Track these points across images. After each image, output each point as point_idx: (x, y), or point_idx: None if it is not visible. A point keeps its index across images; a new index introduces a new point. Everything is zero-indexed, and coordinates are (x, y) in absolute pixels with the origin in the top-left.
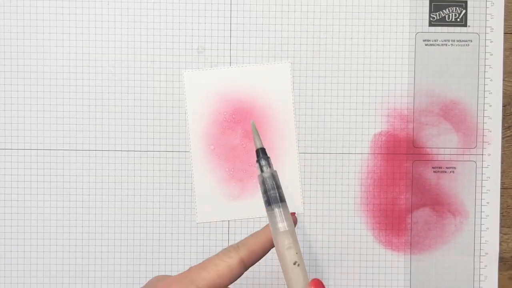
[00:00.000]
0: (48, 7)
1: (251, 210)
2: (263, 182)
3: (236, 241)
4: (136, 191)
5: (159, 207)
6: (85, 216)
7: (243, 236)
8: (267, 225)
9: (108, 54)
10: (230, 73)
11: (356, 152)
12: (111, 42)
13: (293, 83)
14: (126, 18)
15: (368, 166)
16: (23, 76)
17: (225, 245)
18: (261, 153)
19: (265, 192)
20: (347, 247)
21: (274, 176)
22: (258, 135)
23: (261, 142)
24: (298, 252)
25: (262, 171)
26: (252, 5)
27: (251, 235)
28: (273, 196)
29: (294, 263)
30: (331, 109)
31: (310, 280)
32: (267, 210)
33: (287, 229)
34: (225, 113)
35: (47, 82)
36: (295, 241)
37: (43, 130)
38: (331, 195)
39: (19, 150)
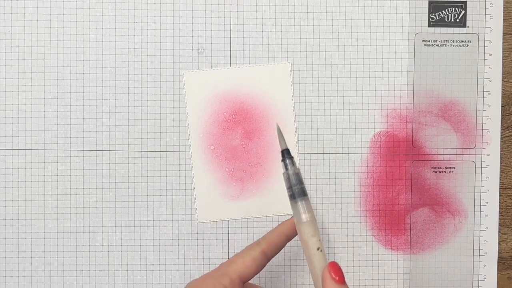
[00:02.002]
0: (48, 7)
1: (251, 210)
2: (288, 179)
3: (236, 241)
4: (136, 191)
5: (159, 207)
6: (85, 216)
7: (243, 236)
8: (283, 222)
9: (108, 54)
10: (230, 73)
11: (356, 152)
12: (111, 42)
13: (293, 83)
14: (126, 19)
15: (367, 166)
16: (23, 76)
17: (225, 245)
18: (286, 154)
19: (290, 187)
20: (347, 247)
21: (297, 174)
22: (283, 137)
23: (286, 144)
24: (320, 240)
25: (287, 169)
26: (252, 5)
27: (270, 231)
28: (297, 190)
29: (317, 249)
30: (330, 109)
31: (328, 263)
32: (292, 203)
33: (309, 219)
34: (225, 114)
35: (47, 82)
36: (317, 230)
37: (43, 130)
38: (330, 195)
39: (19, 150)
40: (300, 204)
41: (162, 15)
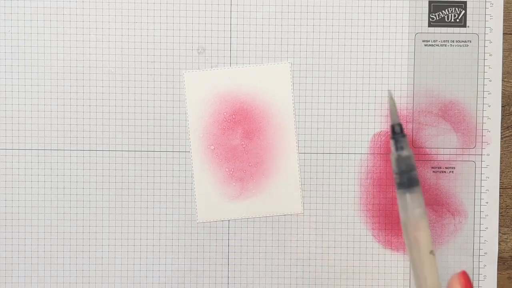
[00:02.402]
0: (48, 7)
1: (251, 210)
2: (396, 162)
3: (236, 241)
4: (136, 191)
5: (159, 207)
6: (85, 216)
7: (243, 236)
8: None
9: (108, 54)
10: (230, 73)
11: (356, 152)
12: (111, 42)
13: (293, 83)
14: (126, 18)
15: (367, 166)
16: (23, 76)
17: (225, 245)
18: (397, 130)
19: (400, 173)
20: (347, 247)
21: (409, 158)
22: (396, 108)
23: (398, 117)
24: (431, 242)
25: (397, 149)
26: (252, 5)
27: None
28: (408, 179)
29: (430, 252)
30: (331, 109)
31: (459, 272)
32: (398, 193)
33: (420, 216)
34: (225, 114)
35: (47, 82)
36: (428, 229)
37: (43, 130)
38: (330, 195)
39: (19, 150)
40: (409, 196)
41: (162, 15)
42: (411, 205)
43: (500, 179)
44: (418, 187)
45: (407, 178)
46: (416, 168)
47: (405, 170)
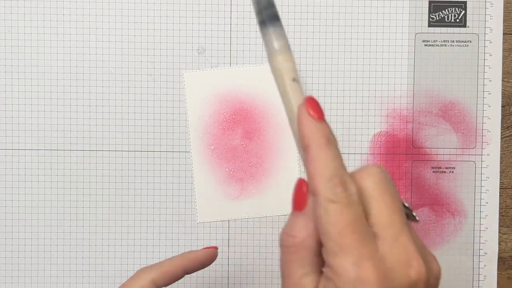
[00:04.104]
0: (48, 7)
1: (251, 210)
2: (256, 1)
3: (236, 241)
4: (136, 191)
5: (159, 207)
6: (85, 216)
7: (243, 236)
8: (184, 254)
9: (108, 54)
10: (230, 73)
11: (356, 152)
12: (111, 42)
13: None
14: (126, 19)
15: None
16: (23, 76)
17: (225, 245)
18: None
19: (259, 11)
20: None
21: None
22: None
23: None
24: (296, 70)
25: None
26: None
27: (168, 260)
28: (268, 14)
29: (293, 80)
30: (331, 109)
31: (305, 98)
32: (262, 30)
33: (283, 46)
34: (225, 114)
35: (47, 83)
36: (292, 59)
37: (43, 130)
38: None
39: (19, 150)
40: (272, 31)
41: (162, 15)
42: (274, 38)
43: (500, 179)
44: (279, 22)
45: (268, 15)
46: (276, 6)
47: (265, 7)
